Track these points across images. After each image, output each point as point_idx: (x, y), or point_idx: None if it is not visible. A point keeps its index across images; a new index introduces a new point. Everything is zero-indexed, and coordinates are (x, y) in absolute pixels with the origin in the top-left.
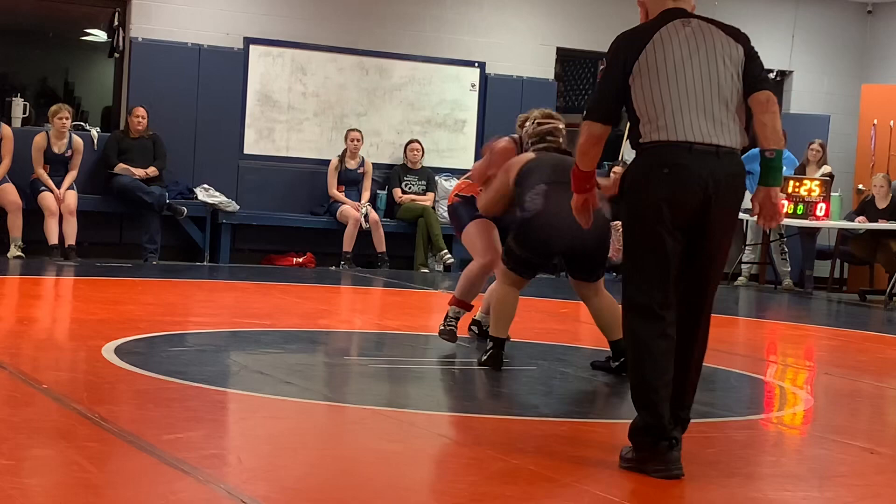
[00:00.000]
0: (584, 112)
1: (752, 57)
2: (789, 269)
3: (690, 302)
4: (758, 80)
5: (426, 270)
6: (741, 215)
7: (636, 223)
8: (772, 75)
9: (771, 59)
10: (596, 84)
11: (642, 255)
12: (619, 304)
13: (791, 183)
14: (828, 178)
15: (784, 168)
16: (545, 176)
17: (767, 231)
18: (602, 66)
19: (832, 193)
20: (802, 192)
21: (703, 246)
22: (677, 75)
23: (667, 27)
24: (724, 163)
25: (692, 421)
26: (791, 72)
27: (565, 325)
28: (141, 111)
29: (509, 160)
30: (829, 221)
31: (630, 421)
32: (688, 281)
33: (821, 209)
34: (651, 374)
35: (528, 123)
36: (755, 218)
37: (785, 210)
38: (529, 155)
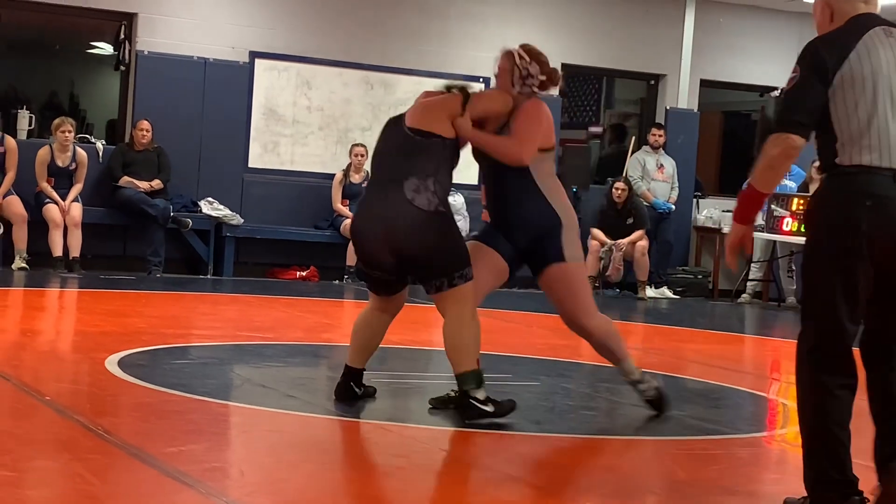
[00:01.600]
0: (776, 124)
1: None
2: (795, 286)
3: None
4: None
5: None
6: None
7: (828, 258)
8: (776, 93)
9: (775, 76)
10: (786, 94)
11: (830, 295)
12: (467, 333)
13: (795, 200)
14: None
15: (793, 184)
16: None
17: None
18: (794, 74)
19: None
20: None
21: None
22: (883, 91)
23: (870, 35)
24: None
25: (696, 438)
26: None
27: (568, 340)
28: (145, 124)
29: None
30: None
31: (636, 438)
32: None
33: None
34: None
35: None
36: (764, 235)
37: (790, 228)
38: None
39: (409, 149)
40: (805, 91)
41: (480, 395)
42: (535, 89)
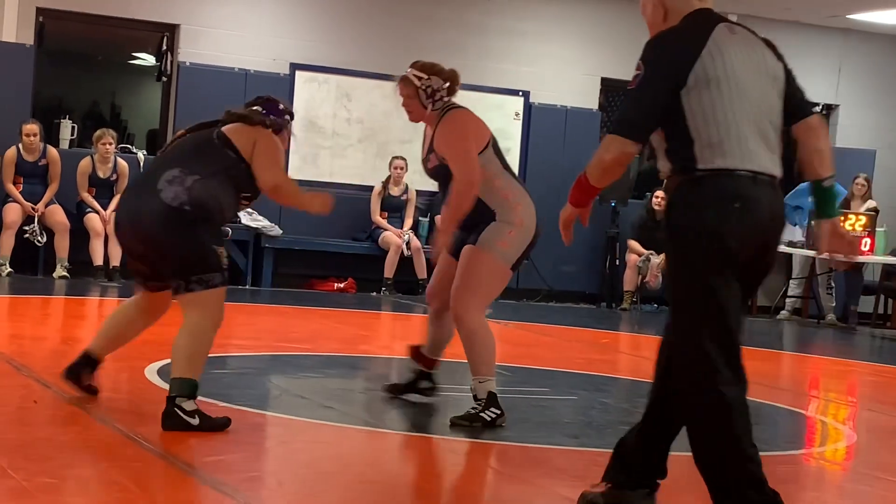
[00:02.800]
0: (615, 124)
1: (791, 75)
2: (834, 304)
3: None
4: (805, 103)
5: None
6: (786, 249)
7: (698, 265)
8: (818, 108)
9: (817, 93)
10: (630, 93)
11: (707, 304)
12: (198, 342)
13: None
14: (873, 213)
15: (837, 198)
16: None
17: (816, 266)
18: (638, 72)
19: (877, 228)
20: (847, 226)
21: (752, 289)
22: (739, 91)
23: (717, 32)
24: (779, 197)
25: None
26: (837, 105)
27: (605, 355)
28: (183, 132)
29: None
30: (874, 256)
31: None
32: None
33: (865, 244)
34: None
35: None
36: (804, 251)
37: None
38: None
39: (202, 148)
40: (649, 91)
41: (189, 406)
42: (446, 99)
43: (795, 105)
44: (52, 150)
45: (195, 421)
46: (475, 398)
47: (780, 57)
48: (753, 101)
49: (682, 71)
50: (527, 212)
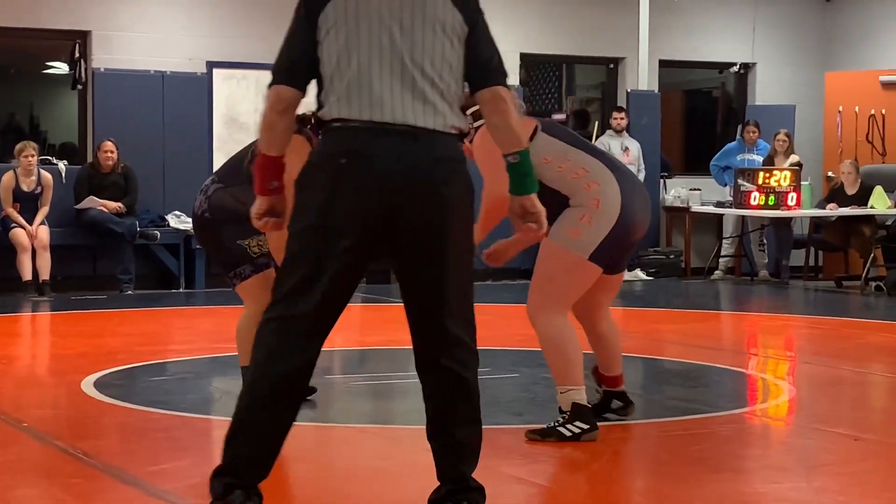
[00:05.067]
0: (271, 77)
1: (478, 31)
2: (766, 260)
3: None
4: (485, 71)
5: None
6: (715, 210)
7: (300, 227)
8: (735, 68)
9: (734, 52)
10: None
11: (298, 267)
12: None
13: (762, 174)
14: (797, 168)
15: (759, 158)
16: None
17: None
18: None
19: (802, 182)
20: (773, 182)
21: (414, 255)
22: (371, 35)
23: None
24: (427, 147)
25: (678, 419)
26: (754, 64)
27: None
28: (109, 145)
29: None
30: (801, 210)
31: (620, 422)
32: (418, 303)
33: (792, 199)
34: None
35: None
36: (733, 210)
37: (757, 202)
38: None
39: (239, 159)
40: (292, 37)
41: None
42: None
43: (474, 71)
44: (45, 174)
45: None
46: (560, 411)
47: (463, 9)
48: (396, 47)
49: (314, 14)
50: (606, 190)
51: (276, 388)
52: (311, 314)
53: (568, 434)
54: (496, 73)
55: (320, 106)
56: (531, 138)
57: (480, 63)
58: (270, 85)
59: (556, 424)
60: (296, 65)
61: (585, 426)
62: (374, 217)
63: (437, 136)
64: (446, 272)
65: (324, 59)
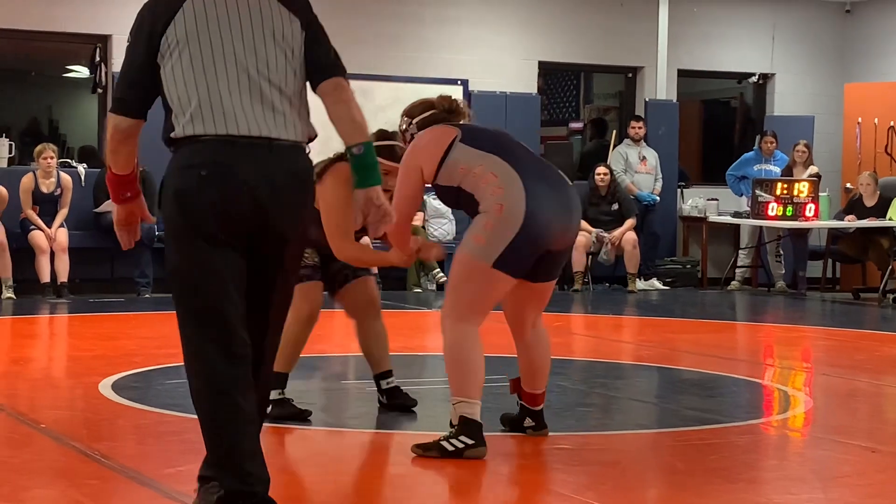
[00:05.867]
0: (111, 103)
1: (314, 35)
2: (783, 271)
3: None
4: (323, 65)
5: (419, 290)
6: (733, 220)
7: (173, 241)
8: (753, 78)
9: (752, 63)
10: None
11: (182, 276)
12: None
13: (779, 185)
14: (815, 179)
15: (777, 169)
16: None
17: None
18: (127, 43)
19: (820, 193)
20: (791, 193)
21: (264, 261)
22: (214, 53)
23: None
24: (280, 159)
25: (693, 429)
26: (773, 74)
27: (559, 337)
28: None
29: None
30: (819, 221)
31: (635, 431)
32: (252, 302)
33: (810, 210)
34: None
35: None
36: (750, 221)
37: (775, 213)
38: None
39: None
40: (129, 62)
41: (273, 395)
42: (416, 133)
43: (313, 68)
44: (64, 177)
45: (273, 410)
46: (450, 423)
47: (299, 14)
48: (241, 61)
49: (155, 37)
50: (510, 195)
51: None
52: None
53: (450, 449)
54: (333, 67)
55: (171, 128)
56: (448, 150)
57: (317, 60)
58: (110, 111)
59: (442, 438)
60: (132, 93)
61: (470, 441)
62: (239, 222)
63: (290, 146)
64: (281, 278)
65: (169, 80)
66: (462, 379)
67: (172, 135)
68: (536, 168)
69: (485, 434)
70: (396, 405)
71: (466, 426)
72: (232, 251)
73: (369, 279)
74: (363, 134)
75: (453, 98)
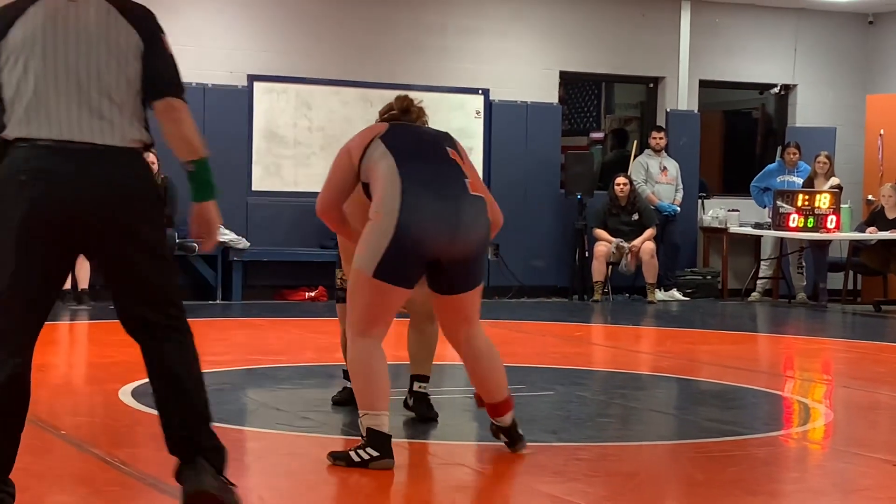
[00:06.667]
0: None
1: (153, 49)
2: (805, 283)
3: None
4: (158, 83)
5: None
6: (754, 231)
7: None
8: (775, 90)
9: (774, 73)
10: None
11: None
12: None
13: (801, 196)
14: (836, 190)
15: (799, 180)
16: None
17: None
18: None
19: (842, 205)
20: (813, 204)
21: (106, 261)
22: (46, 59)
23: (43, 1)
24: (103, 164)
25: (713, 440)
26: (795, 85)
27: (580, 348)
28: (151, 156)
29: None
30: (840, 233)
31: (654, 443)
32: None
33: (831, 221)
34: None
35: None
36: (771, 232)
37: (796, 224)
38: None
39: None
40: None
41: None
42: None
43: (149, 85)
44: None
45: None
46: (361, 435)
47: (139, 26)
48: (72, 68)
49: None
50: (387, 202)
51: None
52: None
53: (356, 460)
54: (169, 85)
55: (2, 127)
56: (368, 145)
57: (153, 77)
58: None
59: (353, 448)
60: None
61: (375, 454)
62: (58, 227)
63: (115, 151)
64: (138, 272)
65: (5, 84)
66: (366, 392)
67: (2, 134)
68: (428, 177)
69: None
70: (417, 412)
71: (372, 438)
72: (47, 253)
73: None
74: (194, 152)
75: (410, 99)
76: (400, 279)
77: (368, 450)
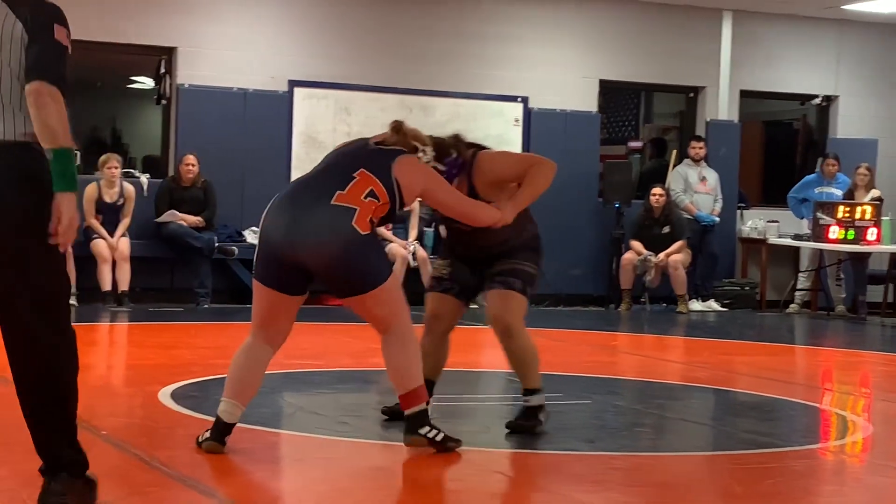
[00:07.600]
0: None
1: (33, 35)
2: (844, 295)
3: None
4: (29, 68)
5: (475, 306)
6: (793, 242)
7: None
8: (817, 100)
9: (816, 84)
10: None
11: None
12: None
13: (841, 208)
14: (877, 202)
15: (839, 192)
16: None
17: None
18: None
19: (882, 217)
20: (853, 216)
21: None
22: None
23: None
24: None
25: (750, 452)
26: (837, 96)
27: (615, 357)
28: (191, 158)
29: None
30: (881, 246)
31: (691, 453)
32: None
33: (872, 234)
34: None
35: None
36: (811, 244)
37: (836, 236)
38: None
39: None
40: None
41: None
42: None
43: (25, 70)
44: (128, 186)
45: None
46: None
47: (19, 11)
48: None
49: None
50: (267, 212)
51: None
52: None
53: (200, 439)
54: (39, 70)
55: None
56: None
57: (29, 62)
58: None
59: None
60: None
61: (207, 435)
62: None
63: (4, 145)
64: (21, 274)
65: None
66: (227, 379)
67: None
68: (295, 186)
69: (540, 451)
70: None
71: (215, 421)
72: None
73: (494, 293)
74: (53, 140)
75: (402, 122)
76: (271, 281)
77: (206, 431)
